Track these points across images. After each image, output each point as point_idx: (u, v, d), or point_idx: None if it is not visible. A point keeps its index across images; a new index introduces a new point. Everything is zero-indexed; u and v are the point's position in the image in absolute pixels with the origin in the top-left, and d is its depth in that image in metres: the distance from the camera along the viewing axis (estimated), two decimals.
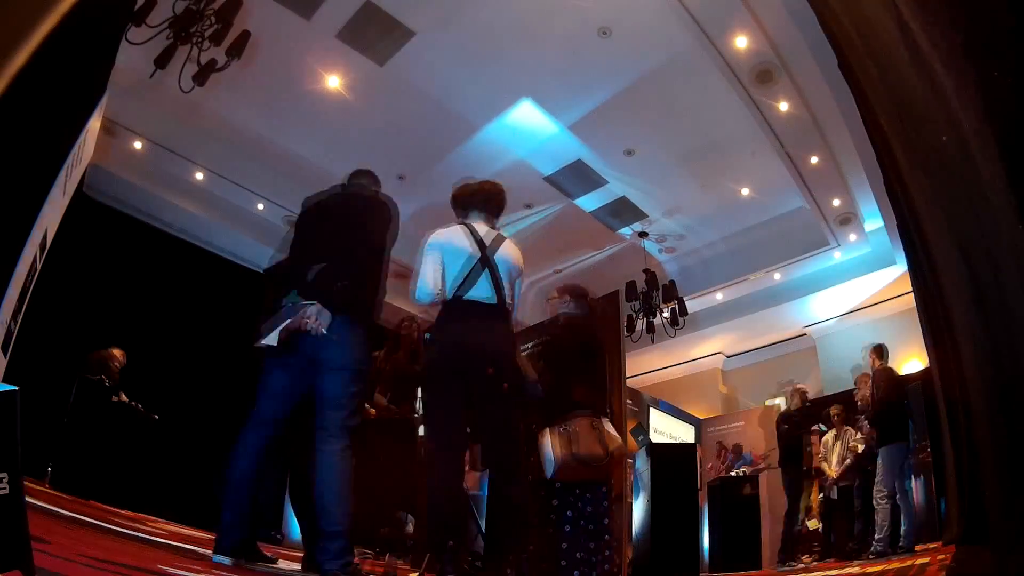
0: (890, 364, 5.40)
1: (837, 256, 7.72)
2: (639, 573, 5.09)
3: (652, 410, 8.91)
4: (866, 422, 5.37)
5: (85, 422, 4.90)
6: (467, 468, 3.74)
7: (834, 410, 6.14)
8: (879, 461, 4.96)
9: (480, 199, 2.58)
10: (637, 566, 5.18)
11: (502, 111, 5.83)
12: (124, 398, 5.30)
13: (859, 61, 1.96)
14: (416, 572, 3.07)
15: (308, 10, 4.91)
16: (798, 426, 5.95)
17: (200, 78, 4.00)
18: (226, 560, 2.12)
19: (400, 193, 5.88)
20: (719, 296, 8.59)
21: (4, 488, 1.01)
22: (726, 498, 6.39)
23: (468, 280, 2.36)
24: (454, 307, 2.36)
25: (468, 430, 2.44)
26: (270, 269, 3.62)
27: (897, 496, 4.75)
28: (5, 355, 2.13)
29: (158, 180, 6.63)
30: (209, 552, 2.21)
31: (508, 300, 2.43)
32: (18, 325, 2.24)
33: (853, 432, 5.82)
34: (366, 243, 2.35)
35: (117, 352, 5.37)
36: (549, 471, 2.53)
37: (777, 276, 8.16)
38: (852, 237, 7.36)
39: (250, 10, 4.30)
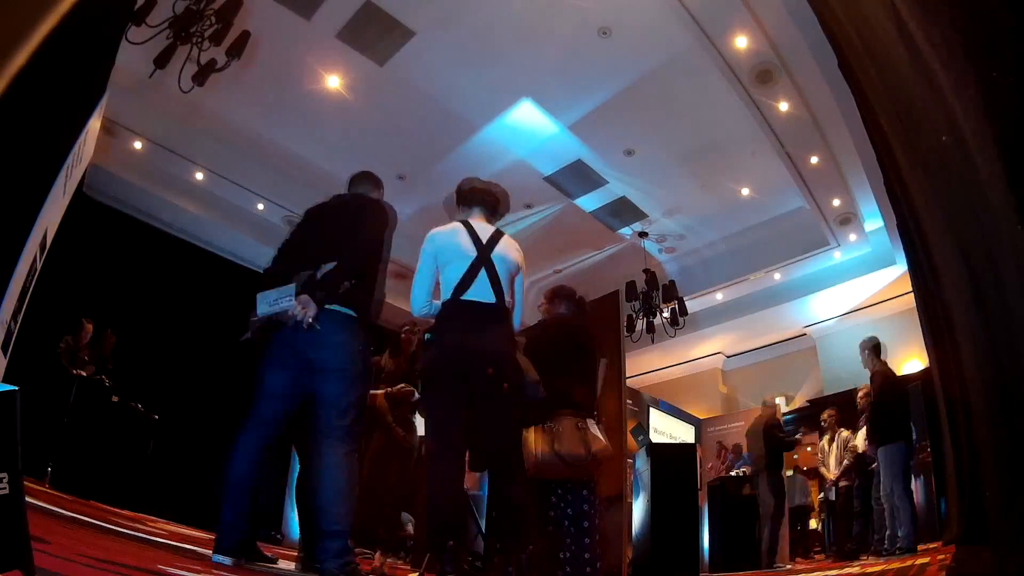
0: (890, 364, 5.40)
1: (837, 256, 7.73)
2: (639, 573, 5.09)
3: (652, 410, 8.91)
4: (867, 423, 5.37)
5: (85, 422, 4.90)
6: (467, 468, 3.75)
7: (825, 415, 6.25)
8: (878, 462, 4.97)
9: (484, 197, 2.57)
10: (637, 566, 5.18)
11: (502, 111, 5.84)
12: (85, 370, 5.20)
13: (859, 61, 1.96)
14: (416, 572, 3.08)
15: (308, 10, 4.91)
16: (774, 435, 5.96)
17: (200, 78, 4.00)
18: (226, 560, 2.12)
19: (400, 193, 5.91)
20: (719, 296, 8.60)
21: (4, 488, 1.01)
22: (726, 498, 6.39)
23: (466, 280, 2.35)
24: (453, 307, 2.35)
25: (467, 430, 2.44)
26: (270, 269, 3.60)
27: (896, 496, 4.74)
28: (5, 355, 2.14)
29: (158, 180, 6.63)
30: (209, 552, 2.21)
31: (507, 299, 2.42)
32: (18, 325, 2.24)
33: (848, 434, 5.87)
34: (361, 245, 2.34)
35: (88, 325, 5.33)
36: (531, 468, 2.53)
37: (777, 276, 8.16)
38: (852, 237, 7.37)
39: (250, 10, 4.30)
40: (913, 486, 5.31)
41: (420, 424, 3.58)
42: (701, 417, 9.55)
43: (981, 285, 1.36)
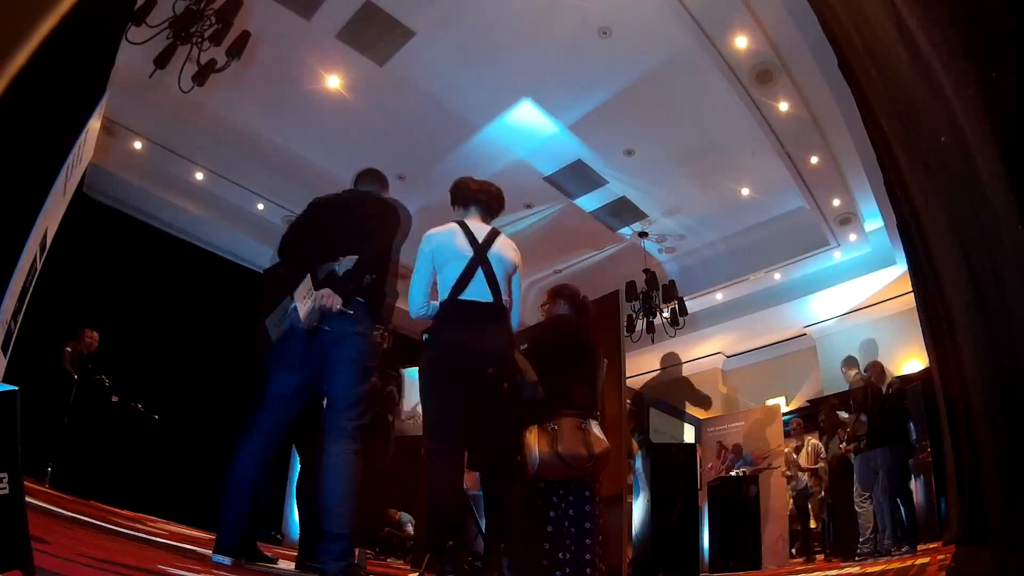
0: (890, 364, 5.46)
1: (837, 256, 7.73)
2: (639, 573, 5.09)
3: (652, 410, 8.90)
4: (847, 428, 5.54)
5: (85, 422, 4.90)
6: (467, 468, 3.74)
7: (793, 423, 6.68)
8: (855, 468, 5.08)
9: (479, 197, 2.57)
10: (637, 566, 5.18)
11: (502, 111, 5.83)
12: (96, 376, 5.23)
13: (859, 61, 1.96)
14: (416, 572, 3.07)
15: (308, 10, 4.91)
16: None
17: (200, 78, 4.00)
18: (226, 560, 2.12)
19: (400, 193, 5.86)
20: (719, 296, 8.59)
21: (4, 488, 1.01)
22: (726, 498, 6.39)
23: (463, 280, 2.36)
24: (451, 307, 2.36)
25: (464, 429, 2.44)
26: (271, 270, 3.60)
27: (874, 501, 4.85)
28: (5, 355, 2.14)
29: (158, 180, 6.63)
30: (209, 552, 2.21)
31: (505, 298, 2.42)
32: (18, 325, 2.24)
33: (815, 442, 6.08)
34: (382, 244, 2.35)
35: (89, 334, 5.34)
36: (532, 468, 2.53)
37: (777, 276, 8.16)
38: (852, 237, 7.37)
39: (250, 10, 4.30)
40: (913, 486, 5.36)
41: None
42: (701, 417, 9.55)
43: (981, 285, 1.36)
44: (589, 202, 7.07)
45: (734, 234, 7.56)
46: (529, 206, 7.01)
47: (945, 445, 2.89)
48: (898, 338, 7.26)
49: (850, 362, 5.48)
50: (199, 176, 6.74)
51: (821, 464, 5.98)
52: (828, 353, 8.53)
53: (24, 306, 2.25)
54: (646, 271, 6.97)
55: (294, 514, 5.65)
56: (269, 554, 2.94)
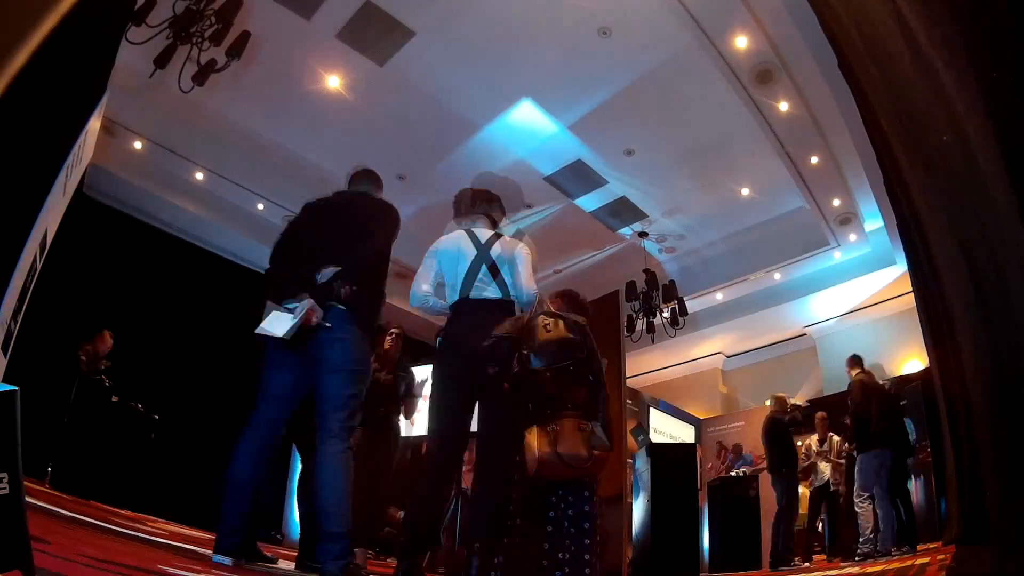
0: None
1: (837, 256, 7.72)
2: (639, 573, 5.09)
3: (652, 410, 8.91)
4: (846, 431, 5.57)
5: (85, 422, 4.90)
6: (466, 467, 3.75)
7: (817, 417, 6.65)
8: (856, 468, 5.08)
9: (482, 204, 2.67)
10: (637, 566, 5.18)
11: (502, 111, 5.83)
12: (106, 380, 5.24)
13: (859, 61, 1.96)
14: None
15: (308, 10, 4.91)
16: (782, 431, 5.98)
17: (200, 78, 4.00)
18: (226, 560, 2.12)
19: (400, 193, 5.90)
20: (719, 296, 8.59)
21: (4, 488, 1.01)
22: (726, 498, 6.39)
23: (468, 281, 2.44)
24: (459, 308, 2.45)
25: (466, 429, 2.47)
26: (271, 271, 3.59)
27: (875, 502, 4.86)
28: (5, 355, 2.14)
29: (158, 180, 6.63)
30: (209, 552, 2.21)
31: (512, 293, 2.48)
32: (18, 325, 2.25)
33: (837, 438, 6.08)
34: (375, 249, 2.37)
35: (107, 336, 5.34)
36: (531, 468, 2.54)
37: (777, 276, 8.16)
38: (852, 237, 7.36)
39: (250, 10, 4.30)
40: (913, 486, 5.37)
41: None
42: (701, 417, 9.55)
43: (982, 285, 1.36)
44: (589, 202, 7.07)
45: (734, 234, 7.56)
46: (529, 206, 7.00)
47: (945, 445, 2.90)
48: (898, 338, 7.26)
49: (854, 361, 5.43)
50: (199, 176, 6.74)
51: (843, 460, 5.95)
52: (828, 353, 8.54)
53: (24, 306, 2.25)
54: (646, 271, 6.96)
55: (294, 514, 5.65)
56: (269, 554, 2.94)
